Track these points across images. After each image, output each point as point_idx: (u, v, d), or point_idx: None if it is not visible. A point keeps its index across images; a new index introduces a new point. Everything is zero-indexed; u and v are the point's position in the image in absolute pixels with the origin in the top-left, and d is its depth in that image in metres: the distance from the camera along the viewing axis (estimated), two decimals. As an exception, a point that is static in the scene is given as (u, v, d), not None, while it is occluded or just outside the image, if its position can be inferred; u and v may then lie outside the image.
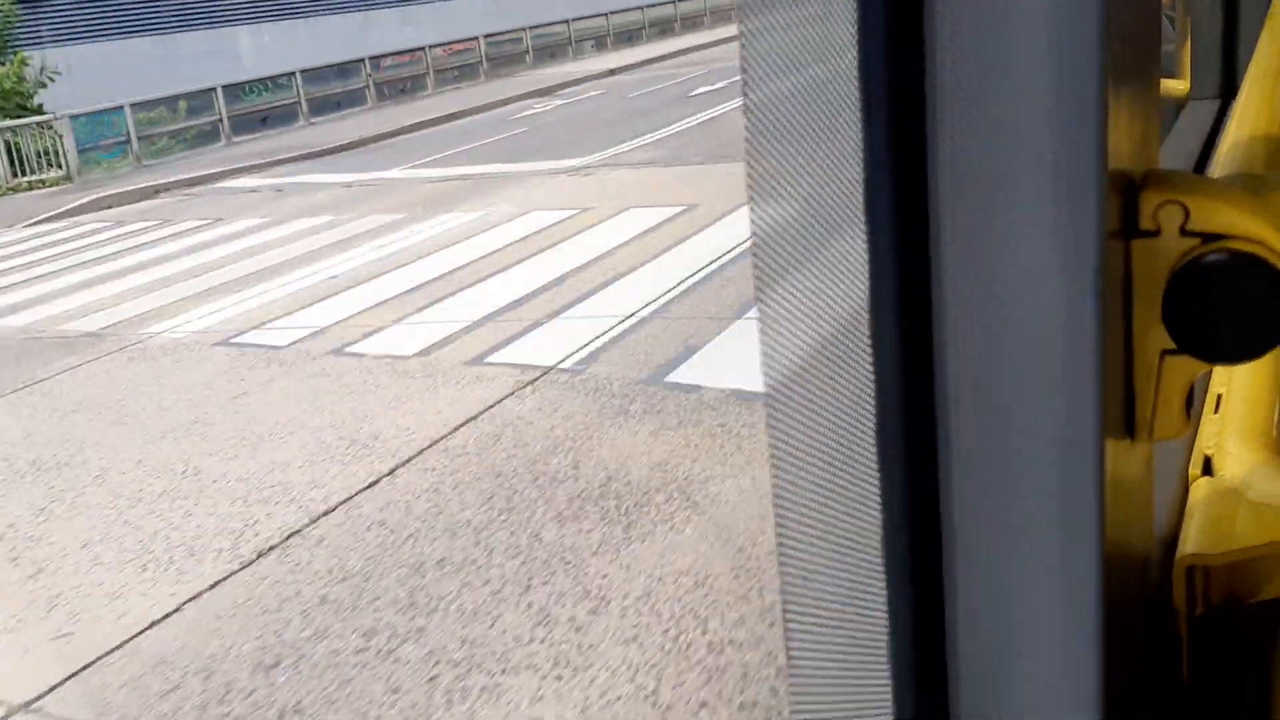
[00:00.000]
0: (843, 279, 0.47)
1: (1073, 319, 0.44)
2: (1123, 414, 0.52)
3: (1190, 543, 0.73)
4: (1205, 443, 0.84)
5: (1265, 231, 0.48)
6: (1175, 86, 2.52)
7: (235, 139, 20.45)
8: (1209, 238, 0.49)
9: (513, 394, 5.84)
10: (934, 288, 0.45)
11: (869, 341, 0.47)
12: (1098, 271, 0.43)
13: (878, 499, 0.49)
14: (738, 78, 0.45)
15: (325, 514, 4.76)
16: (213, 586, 4.26)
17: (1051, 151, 0.42)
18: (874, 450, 0.48)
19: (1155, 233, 0.49)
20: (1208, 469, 0.82)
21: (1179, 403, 0.51)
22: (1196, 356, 0.50)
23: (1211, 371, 0.99)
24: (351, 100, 23.33)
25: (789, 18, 0.44)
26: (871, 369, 0.47)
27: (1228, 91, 2.47)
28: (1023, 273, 0.44)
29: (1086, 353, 0.44)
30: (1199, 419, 0.89)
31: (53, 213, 15.11)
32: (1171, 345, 0.50)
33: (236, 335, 7.86)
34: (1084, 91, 0.42)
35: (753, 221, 0.44)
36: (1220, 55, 2.42)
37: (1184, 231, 0.49)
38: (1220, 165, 0.88)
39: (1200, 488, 0.80)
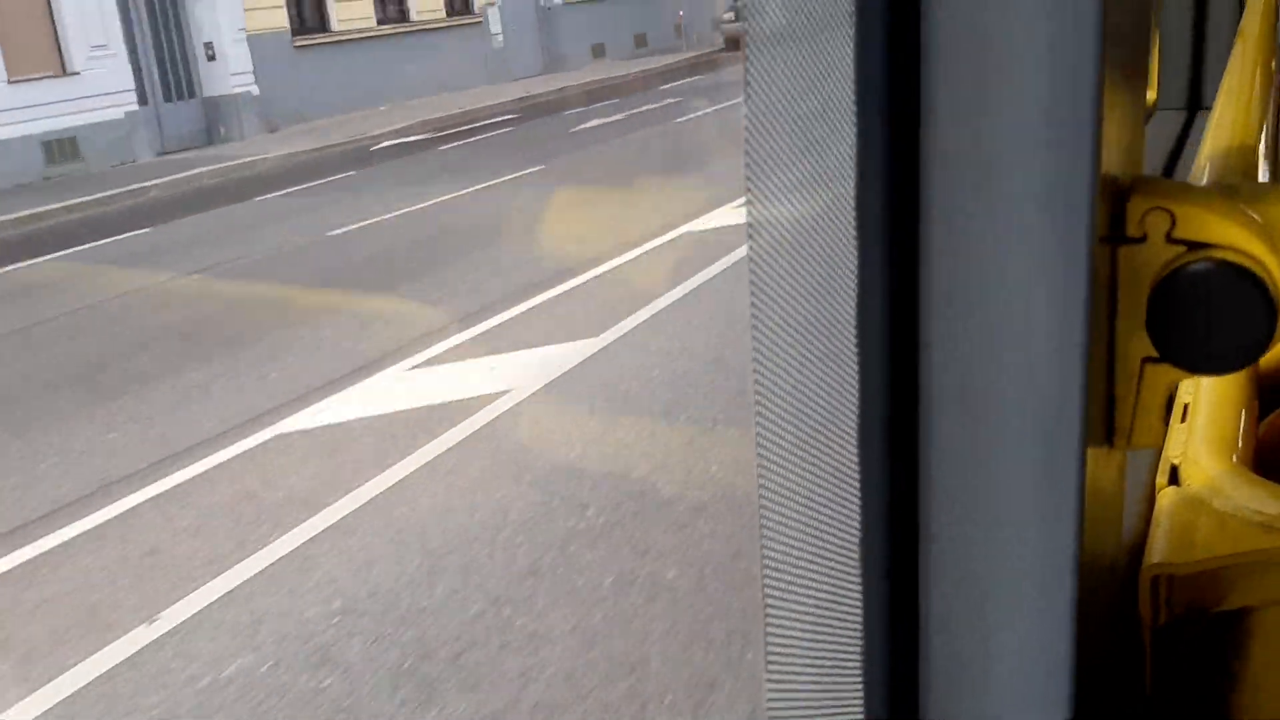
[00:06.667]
0: (832, 276, 0.46)
1: (1060, 325, 0.44)
2: (1103, 420, 0.52)
3: (1156, 552, 0.74)
4: (1172, 452, 0.85)
5: (1250, 242, 0.48)
6: (1142, 96, 2.55)
7: None
8: (1194, 246, 0.48)
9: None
10: (922, 289, 0.45)
11: (855, 342, 0.46)
12: (1088, 277, 0.43)
13: (858, 499, 0.48)
14: None
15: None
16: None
17: (1044, 156, 0.42)
18: (856, 451, 0.47)
19: (1141, 239, 0.49)
20: (1174, 478, 0.83)
21: (1158, 411, 0.51)
22: (1177, 365, 0.50)
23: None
24: None
25: (789, 34, 0.44)
26: (856, 370, 0.46)
27: (1194, 102, 2.50)
28: (1012, 277, 0.44)
29: (1072, 360, 0.44)
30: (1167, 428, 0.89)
31: None
32: (1154, 353, 0.50)
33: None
34: (1079, 97, 0.41)
35: (750, 215, 0.43)
36: (1189, 68, 2.45)
37: (1169, 239, 0.49)
38: (1198, 175, 0.89)
39: (1166, 496, 0.80)
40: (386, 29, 21.28)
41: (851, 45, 0.43)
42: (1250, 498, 0.77)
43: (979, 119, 0.42)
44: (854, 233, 0.45)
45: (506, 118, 18.75)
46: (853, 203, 0.44)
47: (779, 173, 0.44)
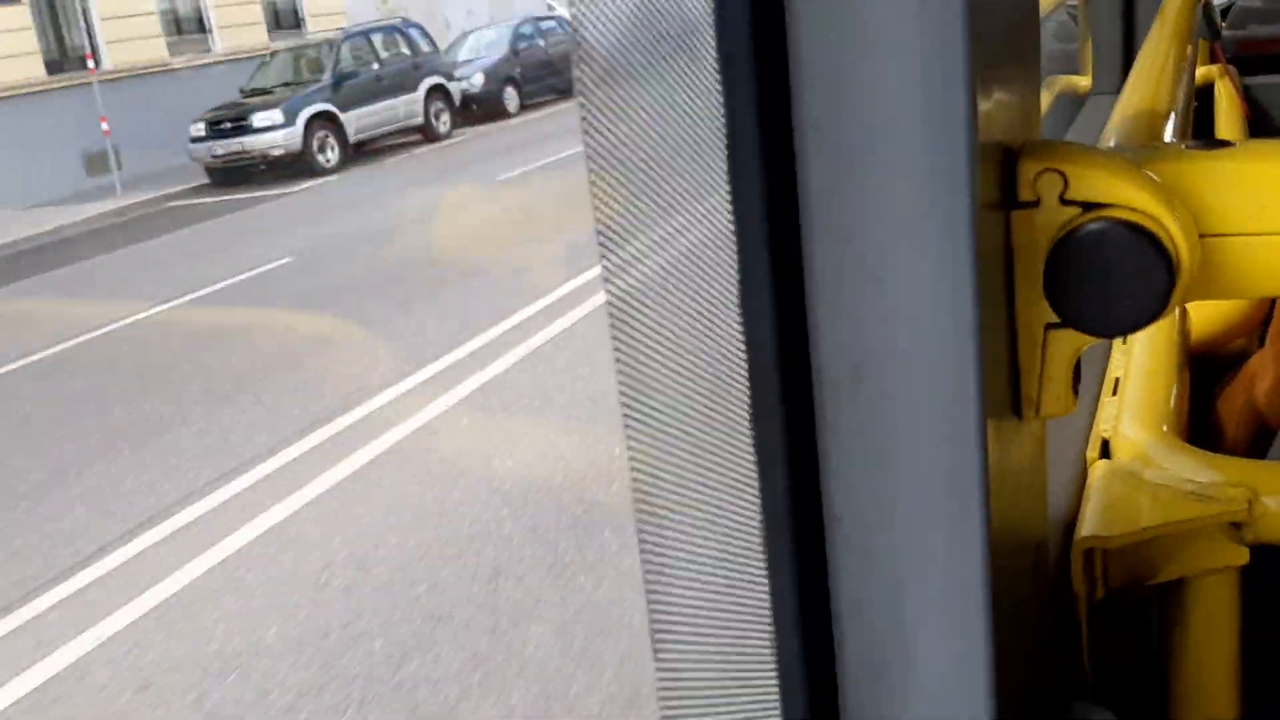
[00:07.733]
0: (709, 260, 0.44)
1: (950, 294, 0.43)
2: (1008, 392, 0.50)
3: (1088, 525, 0.73)
4: (1103, 425, 0.84)
5: (1145, 199, 0.47)
6: (1078, 82, 2.57)
7: None
8: (1089, 206, 0.47)
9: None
10: (805, 266, 0.44)
11: (740, 327, 0.45)
12: (973, 244, 0.42)
13: (756, 490, 0.47)
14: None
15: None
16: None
17: (917, 124, 0.41)
18: (750, 439, 0.46)
19: (1035, 203, 0.48)
20: (1106, 452, 0.82)
21: (1065, 378, 0.50)
22: (1079, 329, 0.48)
23: (1110, 354, 0.99)
24: None
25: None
26: (744, 355, 0.45)
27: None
28: (896, 248, 0.43)
29: (965, 329, 0.43)
30: (1096, 401, 0.89)
31: None
32: (1055, 318, 0.49)
33: None
34: (950, 64, 0.40)
35: (594, 196, 0.41)
36: (1120, 53, 2.47)
37: (1063, 200, 0.48)
38: (1104, 140, 0.88)
39: (1098, 470, 0.80)
40: None
41: (712, 19, 0.41)
42: (1182, 466, 0.76)
43: (852, 91, 0.41)
44: (730, 219, 0.43)
45: None
46: (726, 188, 0.43)
47: (636, 162, 0.42)
